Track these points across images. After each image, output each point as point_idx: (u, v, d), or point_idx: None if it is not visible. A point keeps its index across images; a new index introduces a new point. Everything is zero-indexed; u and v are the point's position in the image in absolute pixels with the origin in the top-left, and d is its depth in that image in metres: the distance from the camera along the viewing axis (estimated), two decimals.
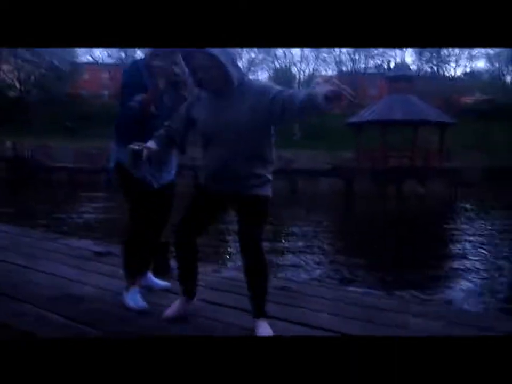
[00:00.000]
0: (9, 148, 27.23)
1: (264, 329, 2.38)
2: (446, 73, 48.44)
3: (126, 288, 2.75)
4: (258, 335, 2.35)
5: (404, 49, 49.27)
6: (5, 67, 43.99)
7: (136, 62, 2.75)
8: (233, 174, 2.32)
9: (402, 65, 26.52)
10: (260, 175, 2.34)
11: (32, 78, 44.68)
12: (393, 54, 49.51)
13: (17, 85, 45.10)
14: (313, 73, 46.95)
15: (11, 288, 3.07)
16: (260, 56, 47.33)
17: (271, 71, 49.03)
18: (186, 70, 2.46)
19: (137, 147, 2.27)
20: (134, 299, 2.67)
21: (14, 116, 38.92)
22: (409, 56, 66.51)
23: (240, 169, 2.31)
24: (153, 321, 2.53)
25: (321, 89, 1.96)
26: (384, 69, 46.74)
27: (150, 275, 3.03)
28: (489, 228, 12.80)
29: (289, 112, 2.14)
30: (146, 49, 2.67)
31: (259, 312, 2.42)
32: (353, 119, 24.98)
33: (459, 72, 50.00)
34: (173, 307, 2.58)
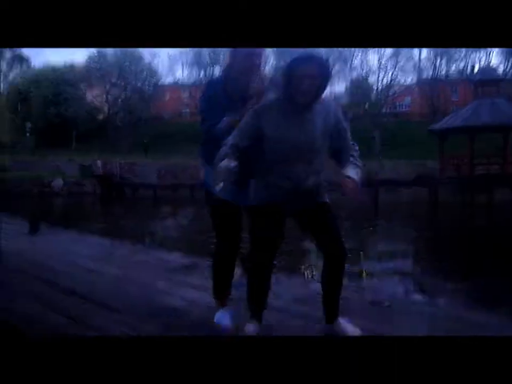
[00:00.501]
0: (99, 166, 28.97)
1: (349, 327, 2.40)
2: None
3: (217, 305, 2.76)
4: (347, 334, 2.36)
5: (488, 51, 46.98)
6: (95, 91, 47.06)
7: (211, 83, 2.70)
8: (311, 187, 2.33)
9: (488, 68, 25.14)
10: (324, 184, 2.43)
11: (119, 100, 47.34)
12: (477, 56, 47.33)
13: (106, 108, 48.03)
14: (391, 82, 45.86)
15: (106, 297, 3.17)
16: (337, 67, 47.01)
17: (348, 82, 48.51)
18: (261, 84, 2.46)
19: (231, 164, 2.16)
20: (220, 318, 2.68)
21: (103, 136, 41.47)
22: (494, 58, 63.43)
23: (317, 182, 2.35)
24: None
25: (349, 176, 2.21)
26: (467, 73, 44.76)
27: None
28: None
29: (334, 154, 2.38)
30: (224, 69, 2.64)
31: (335, 315, 2.43)
32: (437, 126, 24.00)
33: None
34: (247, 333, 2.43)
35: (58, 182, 28.26)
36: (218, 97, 2.52)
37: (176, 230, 13.29)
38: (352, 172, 2.24)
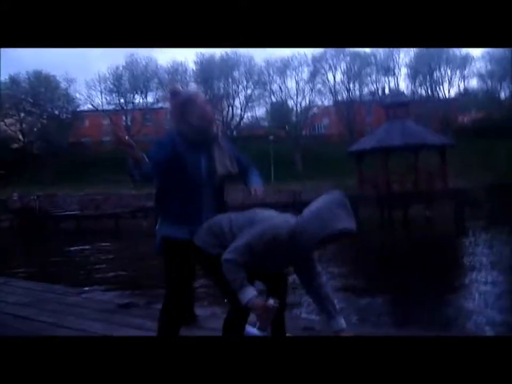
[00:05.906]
0: (16, 199, 27.44)
1: None
2: (440, 94, 49.10)
3: None
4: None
5: (397, 74, 50.15)
6: (8, 120, 44.73)
7: (164, 141, 2.57)
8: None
9: (397, 91, 26.91)
10: None
11: (35, 129, 45.29)
12: (387, 80, 50.38)
13: (21, 137, 45.74)
14: (309, 105, 47.48)
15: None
16: (256, 92, 48.10)
17: (268, 105, 49.67)
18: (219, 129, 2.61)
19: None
20: None
21: (19, 167, 39.34)
22: (402, 81, 67.78)
23: None
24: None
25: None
26: (379, 95, 47.37)
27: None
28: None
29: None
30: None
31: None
32: (354, 147, 25.25)
33: (453, 92, 50.67)
34: None
35: None
36: (175, 150, 2.47)
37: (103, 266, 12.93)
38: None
